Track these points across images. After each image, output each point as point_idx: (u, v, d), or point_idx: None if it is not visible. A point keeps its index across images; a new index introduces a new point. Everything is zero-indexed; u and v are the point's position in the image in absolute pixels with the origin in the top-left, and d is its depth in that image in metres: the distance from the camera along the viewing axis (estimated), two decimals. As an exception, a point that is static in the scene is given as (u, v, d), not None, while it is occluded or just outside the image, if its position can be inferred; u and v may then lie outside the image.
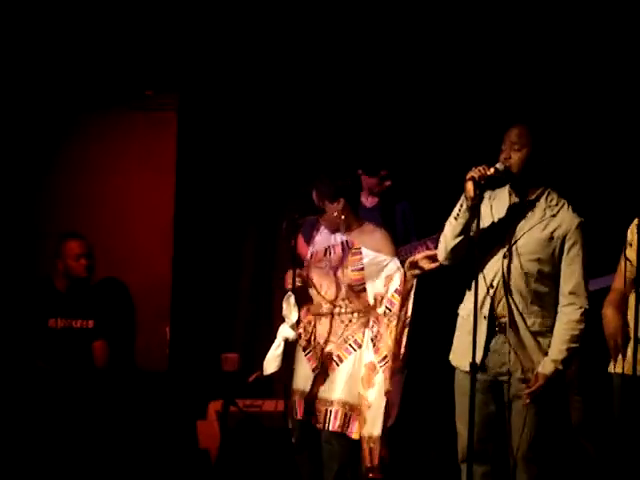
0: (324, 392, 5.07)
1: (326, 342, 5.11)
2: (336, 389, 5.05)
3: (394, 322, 4.94)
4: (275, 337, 5.15)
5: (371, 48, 6.63)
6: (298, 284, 5.13)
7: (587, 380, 5.70)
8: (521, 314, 4.48)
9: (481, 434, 4.52)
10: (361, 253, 5.08)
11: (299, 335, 5.16)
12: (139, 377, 6.26)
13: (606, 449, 5.11)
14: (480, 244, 4.48)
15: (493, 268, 4.52)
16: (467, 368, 4.42)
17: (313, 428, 5.07)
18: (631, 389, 4.50)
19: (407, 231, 6.19)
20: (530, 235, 4.50)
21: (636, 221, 4.71)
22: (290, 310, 5.08)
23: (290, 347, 5.11)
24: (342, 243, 5.14)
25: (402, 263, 5.02)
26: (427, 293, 4.96)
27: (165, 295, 6.75)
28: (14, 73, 6.60)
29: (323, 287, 5.13)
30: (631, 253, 4.60)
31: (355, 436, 5.02)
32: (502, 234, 4.55)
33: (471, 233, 4.47)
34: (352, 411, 5.02)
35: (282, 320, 5.13)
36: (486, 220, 4.58)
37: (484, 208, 4.59)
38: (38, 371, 5.73)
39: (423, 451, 6.16)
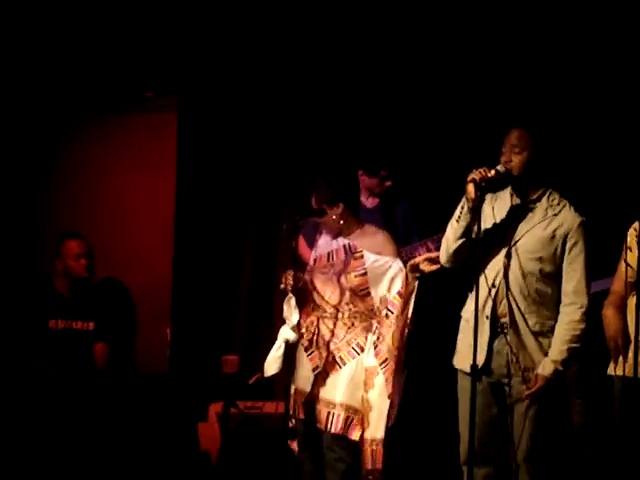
0: (326, 394, 5.06)
1: (329, 343, 5.11)
2: (338, 392, 5.04)
3: (396, 324, 4.94)
4: (276, 339, 5.15)
5: (371, 49, 6.62)
6: (296, 285, 5.14)
7: (588, 383, 5.70)
8: (523, 314, 4.49)
9: (484, 437, 4.53)
10: (363, 257, 5.06)
11: (301, 335, 5.16)
12: (140, 379, 6.25)
13: (607, 452, 5.11)
14: (482, 245, 4.49)
15: (495, 268, 4.53)
16: (475, 370, 4.43)
17: (314, 428, 5.07)
18: (632, 392, 4.49)
19: (408, 231, 6.19)
20: (531, 234, 4.51)
21: (635, 224, 4.71)
22: (291, 312, 5.08)
23: (291, 349, 5.11)
24: (344, 247, 5.12)
25: (404, 264, 5.03)
26: (430, 296, 4.96)
27: (165, 296, 6.75)
28: (15, 74, 6.60)
29: (327, 292, 5.12)
30: (631, 258, 4.59)
31: (355, 437, 5.02)
32: (504, 235, 4.56)
33: (472, 235, 4.47)
34: (354, 414, 5.01)
35: (283, 322, 5.13)
36: (488, 221, 4.59)
37: (486, 210, 4.59)
38: (39, 372, 5.72)
39: (424, 453, 6.16)
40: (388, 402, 4.93)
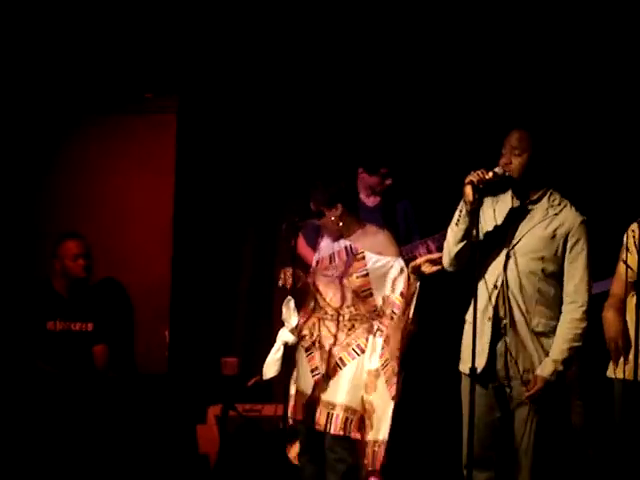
0: (326, 395, 5.06)
1: (329, 345, 5.10)
2: (339, 393, 5.04)
3: (397, 325, 4.94)
4: (275, 341, 5.14)
5: (371, 48, 6.62)
6: (294, 284, 5.13)
7: (588, 384, 5.69)
8: (525, 315, 4.47)
9: (485, 440, 4.52)
10: (364, 258, 5.06)
11: (303, 336, 5.16)
12: (138, 380, 6.24)
13: (607, 454, 5.10)
14: (484, 248, 4.49)
15: (496, 269, 4.52)
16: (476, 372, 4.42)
17: (315, 430, 5.06)
18: (632, 395, 4.48)
19: (409, 230, 6.19)
20: (532, 234, 4.50)
21: (633, 226, 4.69)
22: (290, 314, 5.07)
23: (290, 351, 5.11)
24: (345, 249, 5.12)
25: (406, 263, 5.03)
26: (435, 299, 4.97)
27: (164, 297, 6.75)
28: (15, 75, 6.59)
29: (329, 294, 5.11)
30: (631, 259, 4.57)
31: (355, 437, 5.01)
32: (505, 236, 4.54)
33: (472, 238, 4.46)
34: (353, 415, 5.01)
35: (282, 324, 5.12)
36: (489, 224, 4.58)
37: (488, 212, 4.59)
38: (38, 372, 5.72)
39: (428, 455, 6.14)
40: (392, 403, 4.93)
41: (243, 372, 6.08)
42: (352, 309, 5.07)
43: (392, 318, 4.96)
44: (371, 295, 5.05)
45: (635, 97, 6.18)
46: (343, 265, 5.10)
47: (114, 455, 5.65)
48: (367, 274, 5.04)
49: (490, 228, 4.57)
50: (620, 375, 4.67)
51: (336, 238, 5.14)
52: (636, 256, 4.56)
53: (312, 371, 5.10)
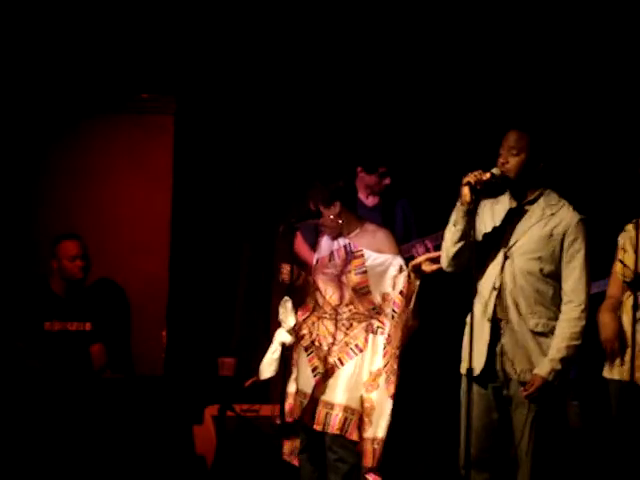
0: (325, 395, 5.08)
1: (328, 344, 5.11)
2: (337, 393, 5.06)
3: (397, 323, 4.95)
4: (272, 341, 5.15)
5: (369, 49, 6.62)
6: (292, 278, 5.15)
7: (584, 385, 5.70)
8: (524, 315, 4.46)
9: (483, 442, 4.51)
10: (363, 256, 5.08)
11: (302, 336, 5.17)
12: (136, 381, 6.24)
13: (604, 453, 5.10)
14: (483, 249, 4.49)
15: (495, 270, 4.51)
16: (474, 374, 4.43)
17: (314, 430, 5.07)
18: (629, 395, 4.48)
19: (407, 229, 6.20)
20: (530, 234, 4.49)
21: (627, 227, 4.69)
22: (287, 315, 5.09)
23: (287, 351, 5.11)
24: (345, 246, 5.15)
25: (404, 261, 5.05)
26: (435, 300, 4.97)
27: (161, 298, 6.74)
28: (10, 75, 6.58)
29: (328, 292, 5.14)
30: (627, 258, 4.57)
31: (354, 437, 5.01)
32: (503, 237, 4.54)
33: (470, 238, 4.46)
34: (352, 415, 5.02)
35: (279, 324, 5.13)
36: (488, 225, 4.58)
37: (486, 214, 4.60)
38: (33, 371, 5.71)
39: (427, 456, 6.14)
40: (390, 402, 4.95)
41: (240, 373, 6.07)
42: (351, 307, 5.09)
43: (393, 317, 4.98)
44: (369, 292, 5.07)
45: (632, 98, 6.19)
46: (342, 263, 5.11)
47: (111, 455, 5.65)
48: (365, 271, 5.06)
49: (488, 230, 4.57)
50: (616, 376, 4.67)
51: (335, 237, 5.17)
52: (632, 255, 4.56)
53: (312, 371, 5.11)
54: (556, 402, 4.49)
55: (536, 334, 4.46)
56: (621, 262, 4.52)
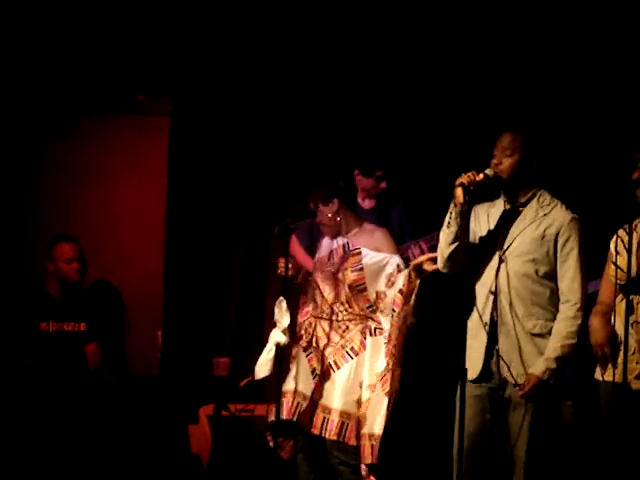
0: (322, 398, 5.09)
1: (324, 346, 5.13)
2: (334, 398, 5.07)
3: (398, 322, 4.98)
4: (267, 341, 5.16)
5: (365, 52, 6.62)
6: (290, 273, 5.17)
7: (578, 385, 5.70)
8: (521, 318, 4.46)
9: (478, 443, 4.52)
10: (360, 253, 5.12)
11: (300, 336, 5.18)
12: (131, 381, 6.24)
13: (595, 453, 5.11)
14: (479, 253, 4.51)
15: (491, 274, 4.52)
16: (470, 377, 4.44)
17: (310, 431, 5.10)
18: (621, 397, 4.47)
19: (402, 233, 6.22)
20: (523, 236, 4.50)
21: (619, 232, 4.69)
22: (282, 315, 5.10)
23: (282, 352, 5.13)
24: (343, 245, 5.18)
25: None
26: (436, 303, 4.98)
27: (156, 298, 6.75)
28: (5, 74, 6.57)
29: (326, 290, 5.16)
30: (621, 261, 4.57)
31: (352, 442, 5.03)
32: (497, 240, 4.55)
33: (465, 240, 4.48)
34: (349, 419, 5.03)
35: (274, 324, 5.14)
36: (484, 229, 4.60)
37: (482, 218, 4.61)
38: (29, 371, 5.72)
39: (424, 456, 6.15)
40: (386, 399, 4.96)
41: (235, 372, 6.09)
42: (347, 306, 5.10)
43: (392, 316, 4.99)
44: (365, 290, 5.10)
45: (626, 100, 6.20)
46: (340, 261, 5.14)
47: (106, 455, 5.65)
48: (362, 268, 5.09)
49: (484, 233, 4.59)
50: (608, 378, 4.65)
51: (335, 236, 5.19)
52: (626, 258, 4.56)
53: (312, 373, 5.13)
54: (552, 402, 4.51)
55: (534, 335, 4.47)
56: (615, 265, 4.51)
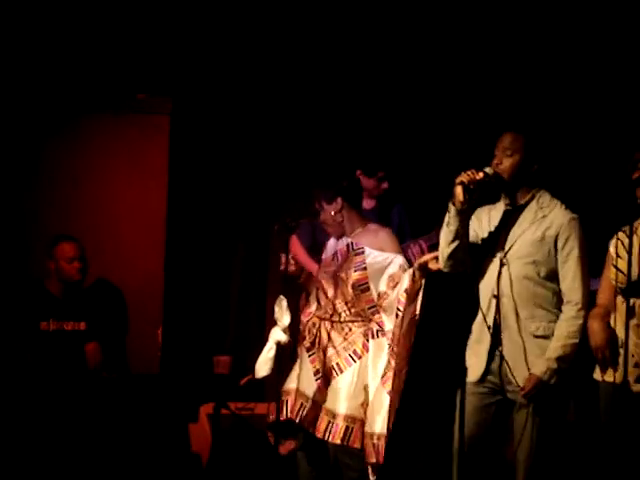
0: (327, 403, 5.08)
1: (327, 347, 5.13)
2: (340, 403, 5.06)
3: (402, 321, 4.98)
4: (267, 340, 5.16)
5: (367, 53, 6.63)
6: (292, 269, 5.17)
7: (578, 384, 5.70)
8: (524, 321, 4.46)
9: (477, 445, 4.53)
10: (364, 253, 5.12)
11: (303, 336, 5.19)
12: (131, 380, 6.25)
13: (595, 454, 5.11)
14: (481, 255, 4.52)
15: (493, 277, 4.51)
16: (473, 379, 4.47)
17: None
18: (621, 397, 4.46)
19: (402, 233, 6.23)
20: (523, 238, 4.50)
21: (619, 234, 4.68)
22: (282, 313, 5.10)
23: (282, 350, 5.13)
24: (347, 245, 5.18)
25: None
26: (439, 306, 4.99)
27: (157, 296, 6.75)
28: (4, 73, 6.58)
29: (329, 289, 5.17)
30: (621, 264, 4.57)
31: (357, 445, 5.03)
32: (498, 242, 4.55)
33: (465, 239, 4.48)
34: (354, 423, 5.03)
35: (274, 323, 5.14)
36: (485, 231, 4.60)
37: (484, 220, 4.62)
38: (29, 370, 5.72)
39: (424, 455, 6.15)
40: (387, 397, 4.96)
41: (235, 371, 6.09)
42: (349, 305, 5.10)
43: (397, 316, 4.99)
44: (368, 289, 5.10)
45: (627, 101, 6.21)
46: (344, 261, 5.15)
47: (107, 454, 5.66)
48: (365, 268, 5.09)
49: (485, 235, 4.59)
50: (608, 379, 4.64)
51: (339, 236, 5.20)
52: (627, 261, 4.55)
53: (315, 374, 5.13)
54: (557, 404, 4.50)
55: (538, 337, 4.46)
56: (616, 267, 4.50)
